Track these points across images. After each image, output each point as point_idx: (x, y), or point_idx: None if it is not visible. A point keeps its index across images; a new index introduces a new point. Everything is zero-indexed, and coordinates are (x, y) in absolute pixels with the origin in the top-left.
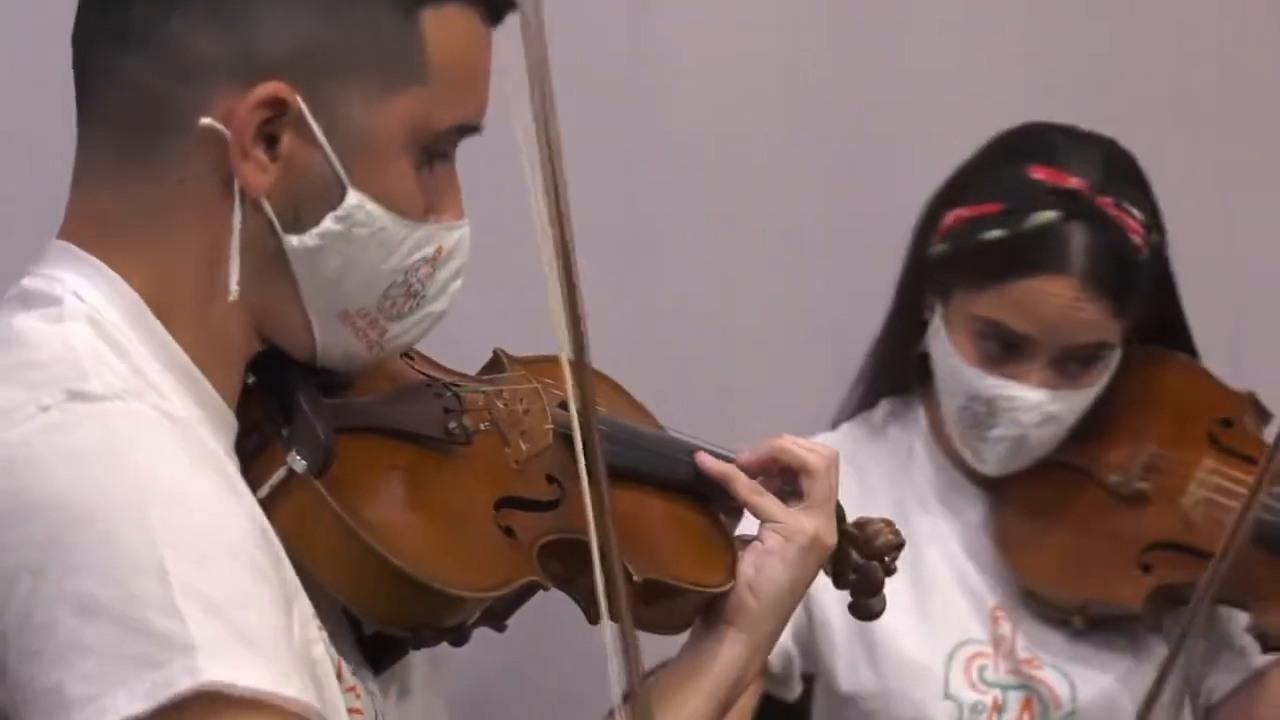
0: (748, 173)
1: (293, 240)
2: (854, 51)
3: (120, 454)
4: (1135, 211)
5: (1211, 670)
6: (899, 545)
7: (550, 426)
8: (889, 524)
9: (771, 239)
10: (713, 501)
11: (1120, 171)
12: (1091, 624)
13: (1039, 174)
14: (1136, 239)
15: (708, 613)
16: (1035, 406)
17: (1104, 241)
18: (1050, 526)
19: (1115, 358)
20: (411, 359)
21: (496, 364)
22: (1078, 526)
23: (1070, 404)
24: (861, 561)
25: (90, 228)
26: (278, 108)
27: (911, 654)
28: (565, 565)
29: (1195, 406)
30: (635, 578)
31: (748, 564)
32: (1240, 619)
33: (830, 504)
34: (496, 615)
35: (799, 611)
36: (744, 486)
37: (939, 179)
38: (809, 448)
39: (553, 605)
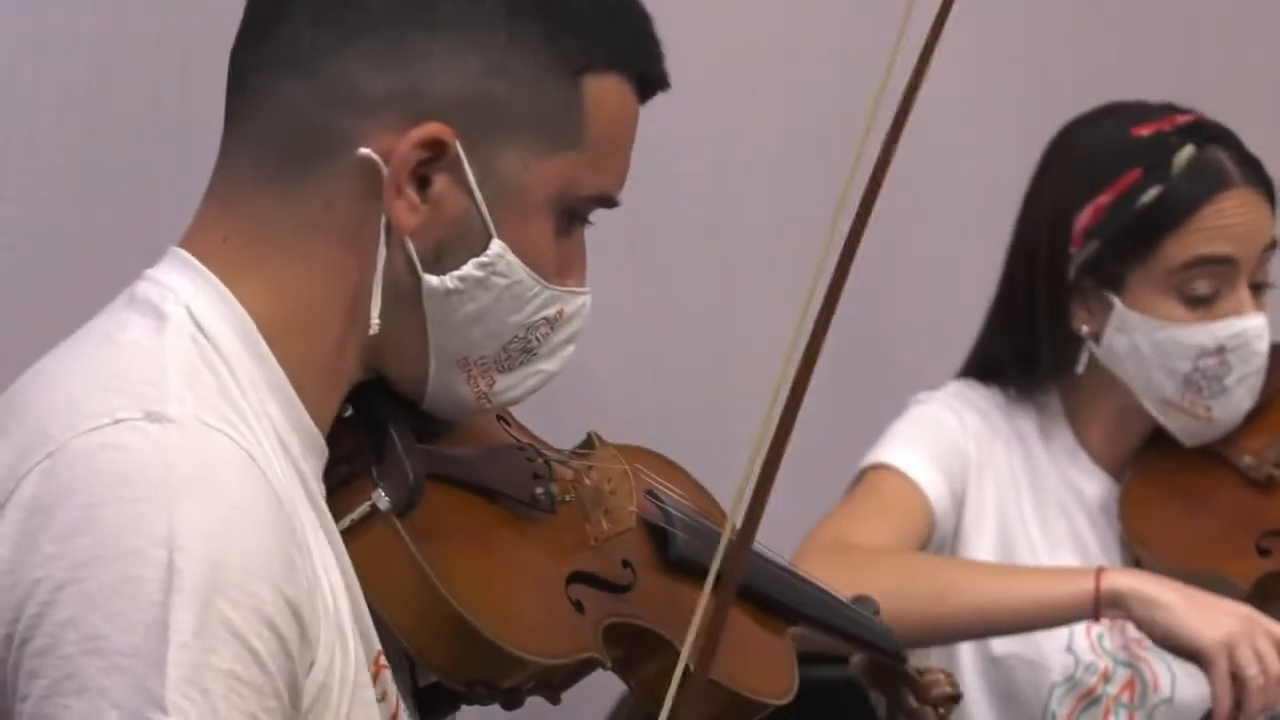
0: (747, 172)
1: (433, 280)
2: (854, 50)
3: (172, 494)
4: None
5: None
6: (954, 698)
7: (634, 510)
8: (948, 676)
9: (771, 239)
10: (783, 618)
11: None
12: None
13: (1148, 130)
14: None
15: None
16: (1262, 332)
17: (1239, 150)
18: (1174, 498)
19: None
20: (508, 423)
21: (588, 446)
22: (1201, 502)
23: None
24: (915, 706)
25: (215, 242)
26: (436, 150)
27: None
28: (625, 650)
29: None
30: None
31: None
32: None
33: None
34: (552, 686)
35: (949, 521)
36: None
37: (938, 179)
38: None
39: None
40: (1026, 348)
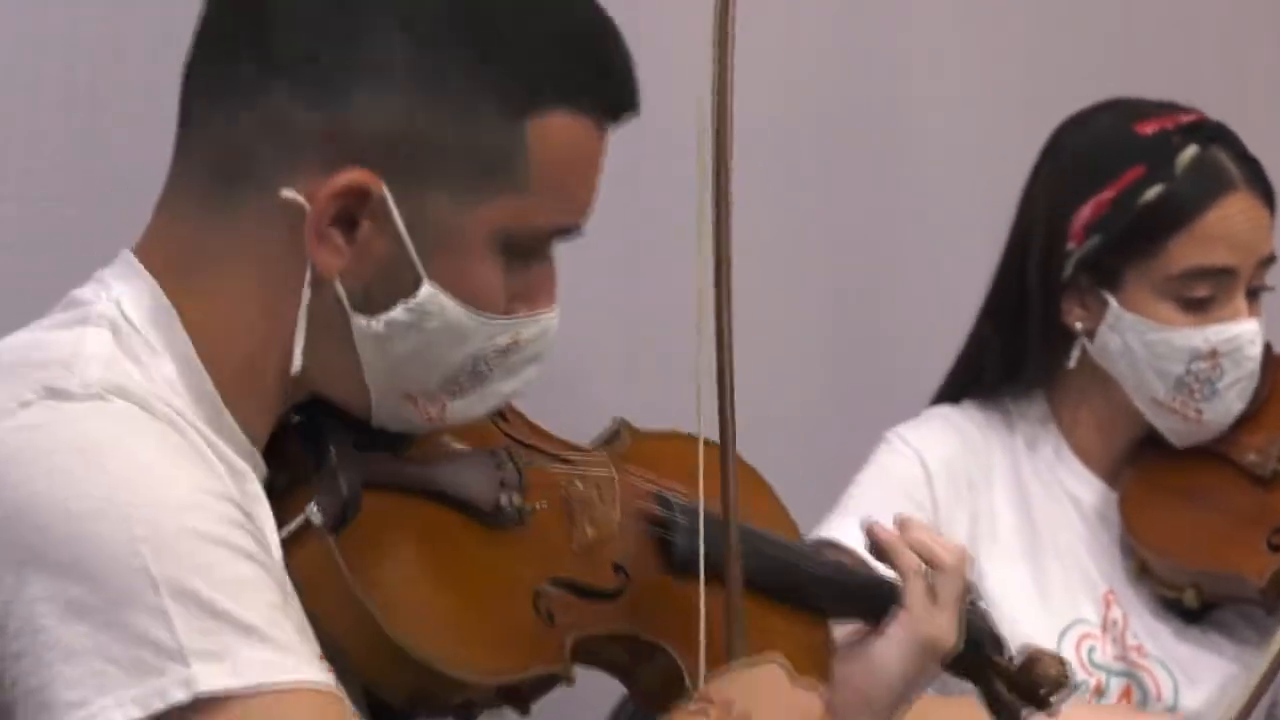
0: (746, 171)
1: (360, 321)
2: (854, 48)
3: (99, 453)
4: None
5: None
6: (1062, 684)
7: (617, 518)
8: (1058, 660)
9: (770, 238)
10: (828, 614)
11: None
12: (1204, 605)
13: (1150, 128)
14: None
15: None
16: (1255, 338)
17: (1241, 152)
18: (1177, 499)
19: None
20: (505, 419)
21: (614, 434)
22: (1205, 500)
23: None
24: (1009, 697)
25: (159, 252)
26: (359, 196)
27: (1025, 630)
28: (622, 657)
29: None
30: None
31: (859, 659)
32: None
33: (958, 605)
34: (515, 698)
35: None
36: (909, 560)
37: (938, 178)
38: (942, 545)
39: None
40: (1016, 346)
